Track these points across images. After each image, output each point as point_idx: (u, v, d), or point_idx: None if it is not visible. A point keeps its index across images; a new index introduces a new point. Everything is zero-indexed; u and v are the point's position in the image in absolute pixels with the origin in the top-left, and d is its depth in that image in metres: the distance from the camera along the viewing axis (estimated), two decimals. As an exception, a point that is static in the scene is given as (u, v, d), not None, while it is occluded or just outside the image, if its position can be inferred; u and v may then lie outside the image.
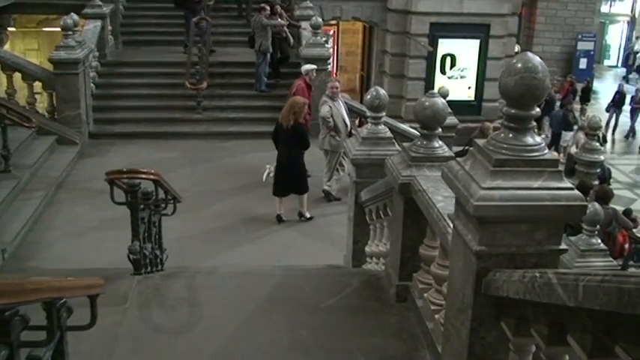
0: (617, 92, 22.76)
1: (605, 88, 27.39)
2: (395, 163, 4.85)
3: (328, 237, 8.43)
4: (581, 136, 17.27)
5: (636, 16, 33.70)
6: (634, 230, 11.37)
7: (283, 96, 12.08)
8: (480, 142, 3.32)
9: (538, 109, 3.18)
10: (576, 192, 3.15)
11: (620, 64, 34.16)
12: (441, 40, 18.31)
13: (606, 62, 34.05)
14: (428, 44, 18.19)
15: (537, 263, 3.24)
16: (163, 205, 6.32)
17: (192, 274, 5.46)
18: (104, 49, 14.21)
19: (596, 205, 7.35)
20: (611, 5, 33.19)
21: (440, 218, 4.01)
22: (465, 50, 18.47)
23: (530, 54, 3.14)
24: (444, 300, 4.18)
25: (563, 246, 3.27)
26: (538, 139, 3.21)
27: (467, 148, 12.47)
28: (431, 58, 18.44)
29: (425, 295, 4.53)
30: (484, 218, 3.11)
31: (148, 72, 14.02)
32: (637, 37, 33.38)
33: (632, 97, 22.97)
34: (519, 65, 3.08)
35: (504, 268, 3.21)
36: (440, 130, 4.75)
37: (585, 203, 3.19)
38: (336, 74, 22.86)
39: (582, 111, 21.83)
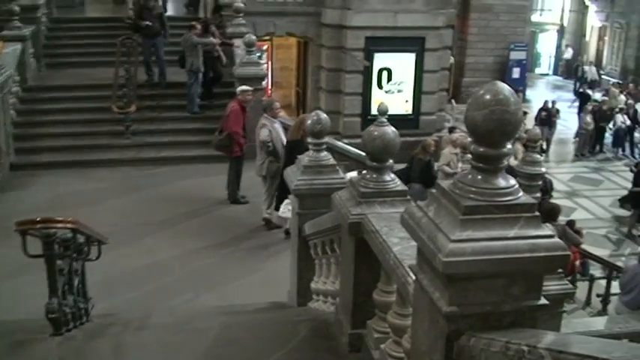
0: (542, 109, 22.72)
1: (537, 96, 27.61)
2: (343, 199, 4.39)
3: (271, 269, 7.92)
4: (519, 147, 17.23)
5: (565, 24, 34.31)
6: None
7: (217, 117, 11.54)
8: (445, 184, 2.89)
9: (510, 146, 2.77)
10: (557, 240, 2.75)
11: (551, 72, 34.74)
12: (376, 55, 18.04)
13: (537, 70, 34.56)
14: (364, 59, 17.90)
15: (514, 322, 2.82)
16: (86, 250, 5.70)
17: (120, 329, 4.87)
18: (25, 74, 13.40)
19: (549, 226, 7.05)
20: (541, 14, 33.72)
21: (398, 265, 3.57)
22: (401, 64, 18.24)
23: (499, 84, 2.73)
24: (404, 354, 3.74)
25: (542, 301, 2.86)
26: (511, 180, 2.80)
27: (409, 166, 12.25)
28: (367, 72, 18.15)
29: (382, 346, 4.07)
30: (455, 275, 2.68)
31: (72, 96, 13.28)
32: (566, 46, 33.97)
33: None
34: (488, 97, 2.66)
35: (478, 329, 2.78)
36: (391, 162, 4.32)
37: (568, 252, 2.79)
38: (270, 90, 22.42)
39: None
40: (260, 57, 13.36)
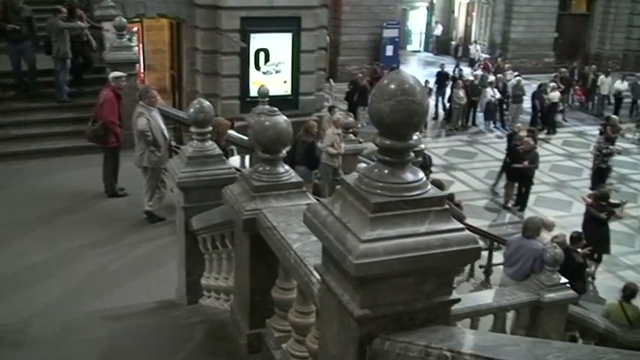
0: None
1: (411, 73, 28.09)
2: (235, 194, 4.15)
3: (157, 265, 7.55)
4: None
5: (434, 1, 35.13)
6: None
7: (89, 105, 10.92)
8: (350, 179, 2.71)
9: (416, 137, 2.64)
10: (468, 233, 2.64)
11: (422, 49, 35.53)
12: (253, 35, 17.70)
13: (409, 47, 35.24)
14: (240, 40, 17.52)
15: (427, 319, 2.71)
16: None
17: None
18: None
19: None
20: (412, -8, 34.42)
21: (299, 264, 3.38)
22: (278, 44, 18.01)
23: (404, 73, 2.58)
24: (307, 353, 3.57)
25: (454, 296, 2.76)
26: (420, 173, 2.67)
27: (292, 149, 12.07)
28: (244, 53, 17.80)
29: (283, 345, 3.89)
30: (367, 277, 2.52)
31: None
32: (436, 22, 34.81)
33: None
34: (393, 87, 2.50)
35: (391, 331, 2.65)
36: (284, 152, 4.11)
37: (479, 245, 2.70)
38: (143, 74, 21.62)
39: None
40: (130, 40, 12.71)
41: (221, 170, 5.45)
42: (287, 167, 4.13)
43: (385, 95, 2.50)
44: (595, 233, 12.31)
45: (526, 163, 15.30)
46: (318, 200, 3.17)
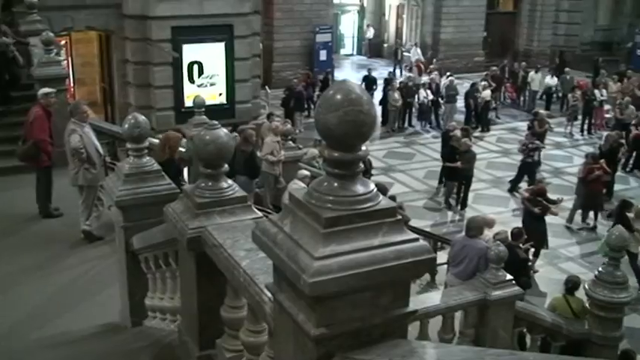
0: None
1: (345, 77, 28.14)
2: (178, 212, 4.01)
3: (98, 287, 7.28)
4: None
5: (365, 5, 35.36)
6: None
7: (17, 124, 10.57)
8: (298, 193, 2.63)
9: (365, 148, 2.56)
10: (422, 243, 2.59)
11: (355, 52, 35.72)
12: (185, 46, 17.45)
13: (342, 51, 35.38)
14: (172, 50, 17.26)
15: (385, 334, 2.65)
16: None
17: None
18: None
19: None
20: (341, -4, 34.57)
21: (249, 283, 3.27)
22: (211, 56, 17.80)
23: (350, 83, 2.50)
24: (261, 373, 3.47)
25: (411, 307, 2.70)
26: (370, 185, 2.60)
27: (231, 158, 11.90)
28: (177, 63, 17.53)
29: (236, 366, 3.78)
30: (323, 296, 2.43)
31: None
32: (368, 25, 35.04)
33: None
34: (339, 97, 2.43)
35: (349, 348, 2.57)
36: (226, 167, 4.00)
37: (434, 255, 2.64)
38: (73, 88, 21.09)
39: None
40: (59, 54, 12.35)
41: (161, 186, 5.30)
42: (230, 182, 4.02)
43: (332, 106, 2.43)
44: (532, 227, 12.50)
45: (459, 163, 15.47)
46: (263, 212, 3.06)
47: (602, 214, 15.46)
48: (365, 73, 25.61)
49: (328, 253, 2.40)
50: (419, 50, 29.53)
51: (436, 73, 25.03)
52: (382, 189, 9.46)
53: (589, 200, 15.23)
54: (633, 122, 19.47)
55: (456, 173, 15.85)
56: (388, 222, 2.54)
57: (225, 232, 3.71)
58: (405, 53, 31.68)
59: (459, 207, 16.05)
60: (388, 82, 23.60)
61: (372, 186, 2.59)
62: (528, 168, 17.06)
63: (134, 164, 5.35)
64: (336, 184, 2.51)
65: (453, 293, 7.51)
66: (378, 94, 23.16)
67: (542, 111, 20.26)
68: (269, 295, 2.93)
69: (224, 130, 3.95)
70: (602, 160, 15.75)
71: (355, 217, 2.48)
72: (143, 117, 5.48)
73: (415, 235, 2.57)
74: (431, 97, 22.79)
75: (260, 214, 3.96)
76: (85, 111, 8.92)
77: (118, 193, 5.27)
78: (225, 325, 3.90)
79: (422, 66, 27.16)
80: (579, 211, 15.56)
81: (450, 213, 16.01)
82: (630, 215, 12.78)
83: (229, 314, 3.81)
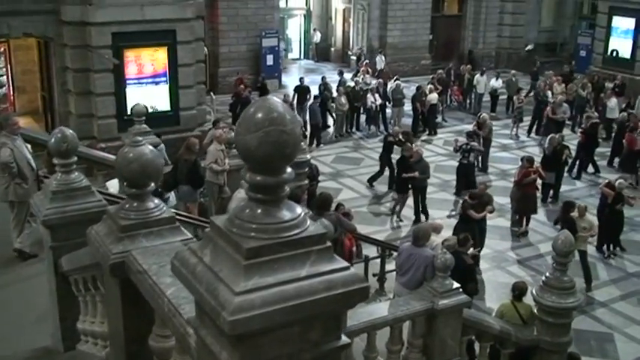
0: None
1: (293, 81, 27.93)
2: (101, 235, 3.75)
3: (31, 307, 6.93)
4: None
5: (311, 9, 35.24)
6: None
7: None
8: (219, 221, 2.41)
9: (290, 170, 2.36)
10: (353, 272, 2.39)
11: (302, 57, 35.56)
12: (127, 52, 17.04)
13: (290, 56, 35.19)
14: (112, 56, 16.82)
15: (316, 368, 2.45)
16: None
17: None
18: None
19: (324, 221, 6.88)
20: (287, 0, 34.31)
21: (174, 313, 3.04)
22: (154, 59, 17.43)
23: (271, 100, 2.30)
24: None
25: (343, 340, 2.50)
26: (297, 209, 2.40)
27: (174, 168, 11.61)
28: (119, 70, 17.10)
29: (166, 398, 3.54)
30: (246, 334, 2.22)
31: None
32: (314, 29, 34.93)
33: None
34: (260, 116, 2.23)
35: (278, 387, 2.37)
36: (153, 185, 3.75)
37: (367, 284, 2.45)
38: (13, 96, 20.46)
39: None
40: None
41: (90, 203, 5.01)
42: (157, 201, 3.77)
43: (252, 126, 2.22)
44: (465, 229, 12.48)
45: (417, 173, 15.31)
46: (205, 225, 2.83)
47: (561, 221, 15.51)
48: (314, 76, 25.41)
49: (251, 286, 2.19)
50: (384, 57, 29.26)
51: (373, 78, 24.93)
52: (326, 199, 9.30)
53: (522, 204, 15.25)
54: (582, 127, 19.73)
55: (410, 184, 15.58)
56: (316, 250, 2.34)
57: (152, 256, 3.47)
58: (352, 57, 31.65)
59: (417, 217, 15.71)
60: (325, 86, 23.31)
61: (299, 210, 2.39)
62: (463, 170, 17.13)
63: (62, 181, 5.06)
64: (259, 211, 2.31)
65: (400, 303, 7.38)
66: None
67: (484, 114, 20.34)
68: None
69: (149, 147, 3.70)
70: (537, 164, 15.88)
71: (280, 246, 2.28)
72: (71, 131, 5.20)
73: (346, 264, 2.39)
74: (379, 101, 22.70)
75: (189, 235, 3.72)
76: (16, 123, 8.55)
77: (44, 212, 4.97)
78: (154, 354, 3.65)
79: (369, 69, 27.06)
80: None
81: (395, 218, 15.89)
82: (574, 215, 12.89)
83: (158, 344, 3.57)
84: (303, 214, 2.39)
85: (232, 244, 2.29)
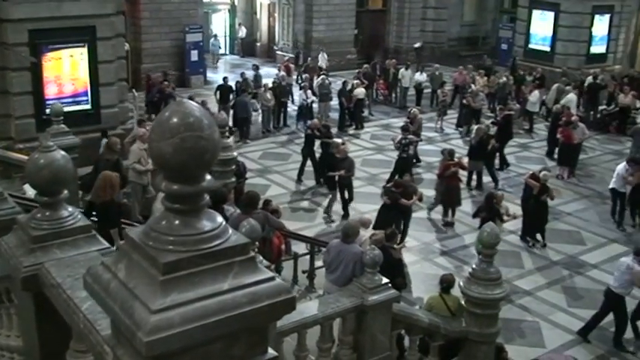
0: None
1: (219, 77, 27.60)
2: (11, 246, 3.53)
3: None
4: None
5: (236, 3, 34.90)
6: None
7: None
8: (134, 233, 2.27)
9: (209, 178, 2.24)
10: (278, 283, 2.29)
11: (228, 52, 35.18)
12: (45, 49, 16.42)
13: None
14: (29, 54, 16.18)
15: (241, 385, 2.33)
16: None
17: None
18: None
19: (251, 221, 6.72)
20: (211, -6, 33.96)
21: (90, 330, 2.87)
22: (73, 57, 16.86)
23: (187, 103, 2.17)
24: None
25: (270, 354, 2.40)
26: (218, 218, 2.27)
27: (95, 169, 11.24)
28: (37, 68, 16.46)
29: (86, 417, 3.35)
30: (165, 354, 2.09)
31: None
32: (239, 24, 34.62)
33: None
34: (175, 121, 2.09)
35: (200, 406, 2.24)
36: (66, 192, 3.55)
37: (293, 295, 2.35)
38: None
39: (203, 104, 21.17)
40: None
41: (2, 210, 4.75)
42: (71, 209, 3.57)
43: (166, 132, 2.08)
44: (385, 218, 12.62)
45: (343, 171, 15.32)
46: (130, 225, 2.67)
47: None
48: (240, 71, 25.12)
49: (169, 304, 2.06)
50: (325, 55, 29.05)
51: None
52: (253, 197, 9.17)
53: (446, 196, 15.46)
54: (498, 118, 20.11)
55: (338, 182, 15.60)
56: (239, 261, 2.23)
57: (66, 268, 3.28)
58: (278, 52, 31.49)
59: (346, 212, 15.74)
60: (245, 81, 23.10)
61: (220, 219, 2.27)
62: (403, 163, 17.25)
63: (-30, 188, 4.78)
64: (177, 222, 2.18)
65: (330, 301, 7.34)
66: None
67: (415, 109, 20.56)
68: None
69: (61, 152, 3.50)
70: (459, 157, 16.12)
71: (200, 259, 2.16)
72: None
73: (271, 274, 2.28)
74: (311, 98, 22.61)
75: (106, 244, 3.54)
76: None
77: (-48, 221, 4.68)
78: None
79: (290, 65, 26.94)
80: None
81: (323, 213, 15.87)
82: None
83: (76, 359, 3.38)
84: (224, 223, 2.27)
85: (148, 259, 2.15)
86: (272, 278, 2.26)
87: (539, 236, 14.66)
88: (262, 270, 2.27)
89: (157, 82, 23.28)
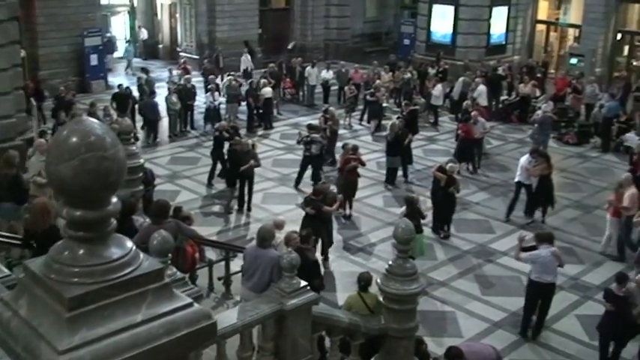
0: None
1: (120, 81, 26.85)
2: None
3: None
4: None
5: (135, 5, 34.09)
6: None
7: None
8: (35, 266, 2.07)
9: (116, 200, 2.07)
10: (197, 308, 2.15)
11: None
12: None
13: (116, 54, 33.85)
14: None
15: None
16: None
17: None
18: None
19: (162, 232, 6.46)
20: (109, -3, 33.07)
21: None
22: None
23: (87, 121, 1.99)
24: None
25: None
26: (128, 243, 2.10)
27: None
28: None
29: None
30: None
31: None
32: (139, 27, 33.84)
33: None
34: (75, 141, 1.92)
35: None
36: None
37: (213, 320, 2.21)
38: None
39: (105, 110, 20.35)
40: None
41: None
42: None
43: (65, 154, 1.91)
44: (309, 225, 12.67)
45: (252, 162, 15.32)
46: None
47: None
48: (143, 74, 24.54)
49: (77, 342, 1.89)
50: (249, 57, 28.51)
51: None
52: (163, 205, 8.90)
53: (345, 190, 15.56)
54: (404, 113, 20.38)
55: (239, 175, 15.59)
56: (153, 289, 2.07)
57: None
58: (182, 53, 30.95)
59: (245, 209, 15.75)
60: (147, 83, 22.61)
61: (130, 244, 2.10)
62: (306, 162, 17.29)
63: None
64: (81, 251, 2.00)
65: (248, 309, 7.19)
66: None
67: (331, 107, 20.58)
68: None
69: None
70: (360, 153, 16.27)
71: (110, 290, 1.99)
72: None
73: (189, 300, 2.13)
74: (218, 100, 22.27)
75: (6, 271, 3.29)
76: None
77: None
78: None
79: (188, 67, 26.45)
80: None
81: (234, 217, 15.71)
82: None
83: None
84: (134, 248, 2.10)
85: (52, 293, 1.96)
86: (190, 304, 2.12)
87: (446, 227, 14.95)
88: (179, 296, 2.12)
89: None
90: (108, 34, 31.03)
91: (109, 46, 30.36)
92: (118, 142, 2.01)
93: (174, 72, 25.32)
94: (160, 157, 19.78)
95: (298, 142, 17.64)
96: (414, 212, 12.62)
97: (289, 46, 31.55)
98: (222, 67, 27.81)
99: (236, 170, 15.67)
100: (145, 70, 25.23)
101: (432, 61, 27.54)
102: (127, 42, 31.54)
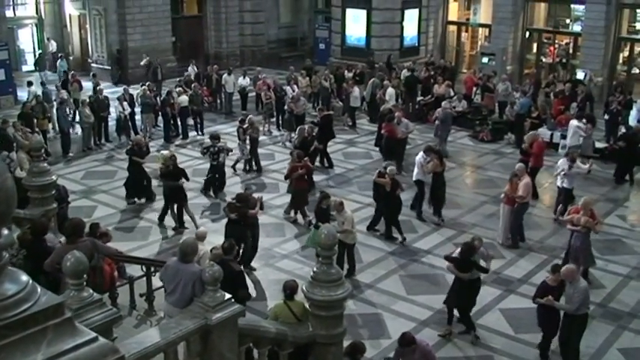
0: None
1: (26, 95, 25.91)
2: None
3: None
4: (23, 156, 15.84)
5: (43, 17, 33.08)
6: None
7: None
8: None
9: (7, 232, 1.91)
10: (103, 342, 2.01)
11: (38, 68, 33.28)
12: None
13: (25, 68, 32.84)
14: None
15: None
16: None
17: None
18: None
19: (76, 253, 6.14)
20: (15, 9, 31.91)
21: None
22: None
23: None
24: None
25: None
26: (23, 276, 1.95)
27: None
28: None
29: None
30: None
31: None
32: (48, 39, 32.88)
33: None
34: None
35: None
36: None
37: (121, 354, 2.07)
38: None
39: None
40: None
41: None
42: None
43: (-54, 186, 1.74)
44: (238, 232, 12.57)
45: (183, 180, 15.12)
46: None
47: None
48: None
49: (-31, 391, 1.72)
50: (196, 68, 27.69)
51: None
52: (77, 224, 8.58)
53: (295, 198, 15.59)
54: (318, 119, 20.40)
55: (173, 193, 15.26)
56: (54, 325, 1.92)
57: None
58: (94, 64, 30.20)
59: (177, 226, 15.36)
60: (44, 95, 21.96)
61: (25, 279, 1.95)
62: (214, 170, 17.32)
63: None
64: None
65: (171, 326, 6.99)
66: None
67: (251, 115, 20.38)
68: None
69: None
70: (306, 158, 16.20)
71: (5, 330, 1.83)
72: None
73: (93, 334, 1.99)
74: (128, 110, 21.74)
75: None
76: None
77: None
78: None
79: (79, 79, 25.70)
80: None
81: (159, 229, 15.37)
82: (333, 213, 13.31)
83: None
84: (30, 282, 1.95)
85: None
86: (94, 339, 1.98)
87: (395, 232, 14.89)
88: (82, 330, 1.98)
89: None
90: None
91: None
92: (6, 170, 1.86)
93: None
94: (73, 172, 19.20)
95: (203, 154, 17.57)
96: (320, 209, 12.84)
97: (142, 63, 28.99)
98: (161, 80, 27.32)
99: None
100: (43, 84, 24.46)
101: (348, 64, 27.66)
102: (60, 57, 30.14)
